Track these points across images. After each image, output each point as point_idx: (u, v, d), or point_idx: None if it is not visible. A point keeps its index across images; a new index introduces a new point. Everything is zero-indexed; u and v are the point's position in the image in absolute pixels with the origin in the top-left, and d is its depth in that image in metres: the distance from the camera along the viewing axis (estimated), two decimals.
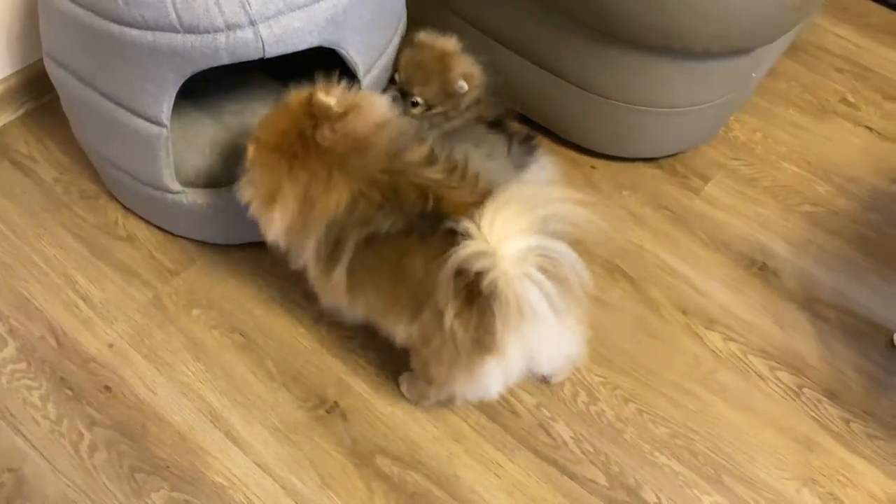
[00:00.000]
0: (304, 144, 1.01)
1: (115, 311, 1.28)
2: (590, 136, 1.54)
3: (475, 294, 0.91)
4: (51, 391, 1.19)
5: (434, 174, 1.00)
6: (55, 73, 1.26)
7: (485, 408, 1.21)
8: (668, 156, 1.58)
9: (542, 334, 0.97)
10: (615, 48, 1.34)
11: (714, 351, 1.32)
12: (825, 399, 1.27)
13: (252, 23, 1.08)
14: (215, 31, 1.08)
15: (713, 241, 1.46)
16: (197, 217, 1.31)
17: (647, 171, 1.56)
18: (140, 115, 1.18)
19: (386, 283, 1.02)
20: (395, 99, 1.27)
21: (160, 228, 1.38)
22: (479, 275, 0.89)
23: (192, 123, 1.38)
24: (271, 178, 1.02)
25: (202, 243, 1.37)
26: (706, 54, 1.31)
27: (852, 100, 1.75)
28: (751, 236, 1.48)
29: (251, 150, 1.03)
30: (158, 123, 1.18)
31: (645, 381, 1.27)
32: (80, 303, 1.29)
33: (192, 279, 1.33)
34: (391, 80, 1.33)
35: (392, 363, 1.24)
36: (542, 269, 0.90)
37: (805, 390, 1.28)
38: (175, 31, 1.07)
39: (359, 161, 1.01)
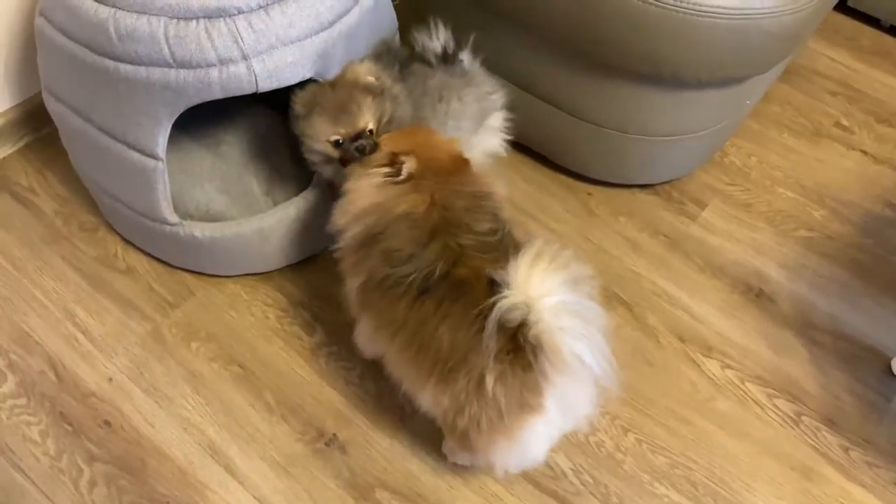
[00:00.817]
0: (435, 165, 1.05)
1: (115, 344, 1.29)
2: (585, 163, 1.55)
3: (516, 352, 0.90)
4: (50, 426, 1.19)
5: (476, 241, 0.99)
6: (54, 107, 1.27)
7: None
8: (664, 182, 1.59)
9: (581, 387, 0.95)
10: (607, 78, 1.35)
11: (712, 378, 1.32)
12: (823, 427, 1.27)
13: (245, 57, 1.10)
14: (208, 66, 1.09)
15: (709, 266, 1.47)
16: (194, 249, 1.32)
17: (643, 197, 1.57)
18: (136, 149, 1.19)
19: (405, 344, 1.01)
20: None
21: (159, 260, 1.38)
22: (521, 328, 0.88)
23: (190, 156, 1.39)
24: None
25: (201, 275, 1.37)
26: (698, 84, 1.32)
27: (846, 123, 1.76)
28: (747, 262, 1.49)
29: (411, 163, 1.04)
30: (154, 157, 1.19)
31: (643, 411, 1.27)
32: (80, 336, 1.29)
33: (191, 311, 1.33)
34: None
35: (390, 395, 1.25)
36: (582, 321, 0.89)
37: (804, 418, 1.28)
38: (168, 66, 1.09)
39: (441, 185, 1.03)
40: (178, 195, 1.30)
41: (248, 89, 1.12)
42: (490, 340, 0.88)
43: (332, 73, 1.19)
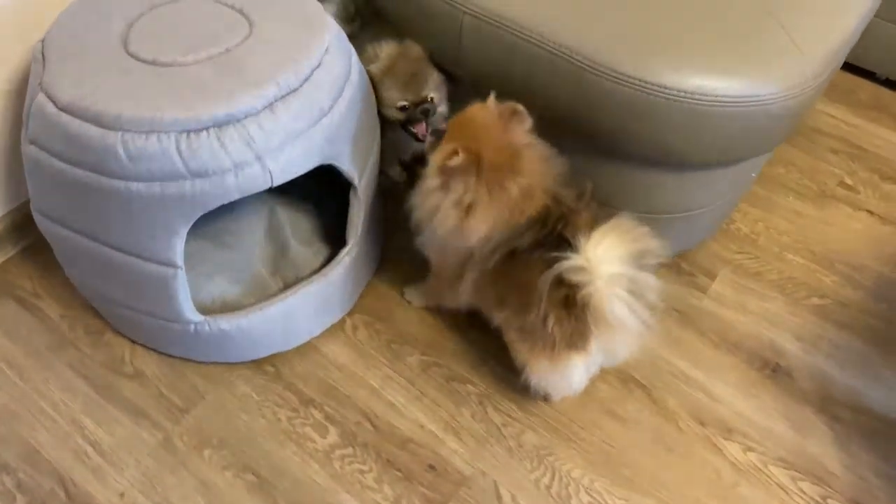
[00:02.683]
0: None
1: (125, 456, 1.26)
2: None
3: (572, 303, 1.11)
4: None
5: (570, 200, 1.18)
6: (50, 228, 1.25)
7: None
8: (673, 255, 1.58)
9: (623, 339, 1.18)
10: (613, 161, 1.35)
11: (734, 463, 1.30)
12: None
13: (259, 158, 1.10)
14: (223, 172, 1.09)
15: (724, 342, 1.46)
16: (220, 341, 1.30)
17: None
18: (152, 260, 1.18)
19: (503, 287, 1.22)
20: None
21: (168, 362, 1.36)
22: (576, 286, 1.08)
23: (196, 253, 1.37)
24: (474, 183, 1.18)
25: (211, 378, 1.35)
26: (705, 165, 1.32)
27: (850, 182, 1.76)
28: (761, 334, 1.47)
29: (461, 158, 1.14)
30: (172, 265, 1.18)
31: (667, 501, 1.24)
32: (89, 449, 1.26)
33: (202, 416, 1.31)
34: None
35: (408, 497, 1.22)
36: (629, 291, 1.09)
37: (830, 501, 1.26)
38: (183, 178, 1.08)
39: (540, 181, 1.19)
40: (193, 292, 1.28)
41: (264, 187, 1.12)
42: (543, 289, 1.10)
43: (340, 156, 1.21)
